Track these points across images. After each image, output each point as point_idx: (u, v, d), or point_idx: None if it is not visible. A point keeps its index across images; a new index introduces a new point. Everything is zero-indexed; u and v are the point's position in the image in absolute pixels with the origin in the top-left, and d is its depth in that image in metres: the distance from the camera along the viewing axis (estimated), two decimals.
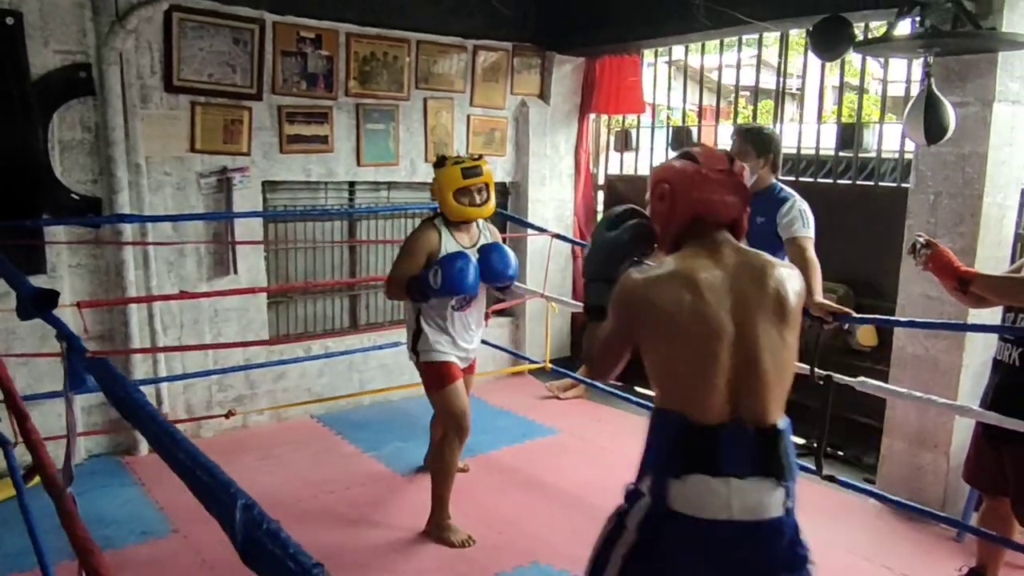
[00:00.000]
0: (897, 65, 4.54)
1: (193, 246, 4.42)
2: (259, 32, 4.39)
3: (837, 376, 2.88)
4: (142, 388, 4.11)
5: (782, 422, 1.75)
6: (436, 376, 3.38)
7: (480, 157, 3.46)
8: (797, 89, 7.74)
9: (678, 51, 5.94)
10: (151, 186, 4.19)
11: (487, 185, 3.39)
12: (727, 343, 1.72)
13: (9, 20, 3.67)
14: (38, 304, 1.53)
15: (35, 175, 3.84)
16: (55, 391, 3.66)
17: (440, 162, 3.40)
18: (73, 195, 3.99)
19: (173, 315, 4.40)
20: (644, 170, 5.93)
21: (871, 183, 4.50)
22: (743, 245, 1.88)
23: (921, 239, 2.76)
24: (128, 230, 4.13)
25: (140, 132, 4.09)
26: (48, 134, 3.86)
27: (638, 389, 5.43)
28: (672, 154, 2.09)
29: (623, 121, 6.24)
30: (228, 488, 0.95)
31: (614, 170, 6.30)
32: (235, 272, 4.57)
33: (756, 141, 3.50)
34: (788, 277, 1.82)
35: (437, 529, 3.43)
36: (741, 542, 1.70)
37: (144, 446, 4.34)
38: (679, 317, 1.72)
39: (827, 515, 3.74)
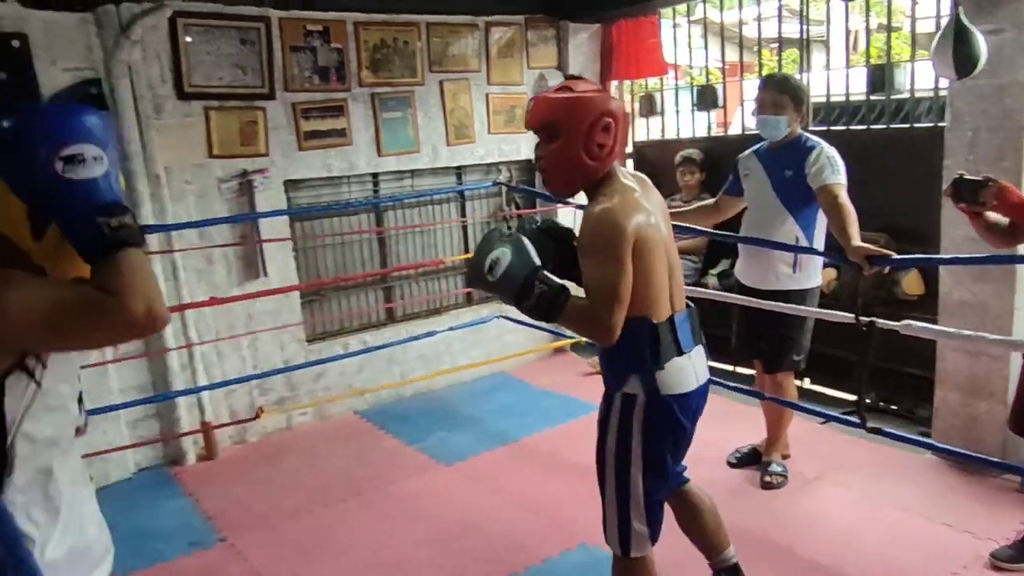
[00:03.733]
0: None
1: (221, 253, 4.42)
2: (265, 30, 4.34)
3: (880, 321, 2.75)
4: (182, 398, 4.18)
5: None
6: None
7: None
8: (821, 37, 7.48)
9: (698, 9, 5.76)
10: (172, 196, 4.19)
11: None
12: (666, 252, 2.14)
13: (15, 43, 3.66)
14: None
15: None
16: None
17: None
18: None
19: (207, 323, 4.40)
20: (671, 134, 5.78)
21: (906, 125, 4.30)
22: None
23: (978, 177, 2.59)
24: (154, 242, 4.13)
25: (156, 143, 4.09)
26: None
27: None
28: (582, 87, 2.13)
29: (646, 85, 6.07)
30: None
31: (640, 136, 6.14)
32: (265, 274, 4.56)
33: (792, 91, 3.37)
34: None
35: None
36: (702, 400, 2.25)
37: (192, 455, 4.38)
38: (648, 235, 2.04)
39: (878, 471, 3.64)
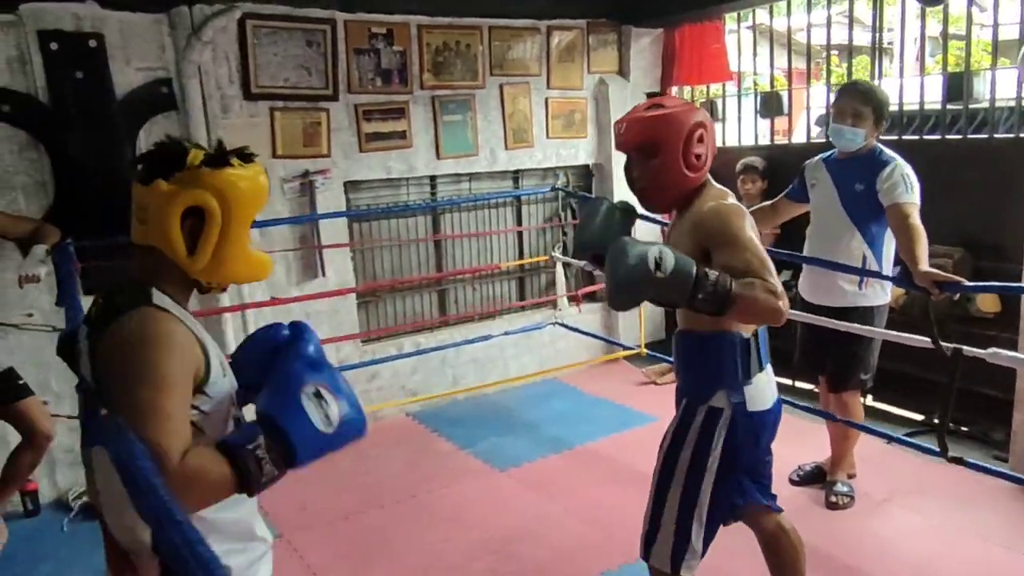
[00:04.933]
0: (1009, 6, 4.16)
1: (281, 252, 4.45)
2: (331, 32, 4.37)
3: (967, 348, 2.64)
4: None
5: None
6: None
7: None
8: (889, 43, 7.28)
9: (762, 14, 5.65)
10: None
11: None
12: None
13: (92, 43, 3.74)
14: None
15: (125, 193, 3.91)
16: None
17: None
18: None
19: (267, 321, 4.43)
20: (732, 141, 5.67)
21: (985, 136, 4.15)
22: None
23: None
24: None
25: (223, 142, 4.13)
26: (136, 151, 3.94)
27: None
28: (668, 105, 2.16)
29: (708, 91, 5.98)
30: None
31: None
32: (323, 275, 4.59)
33: (877, 104, 3.23)
34: None
35: None
36: (778, 417, 2.22)
37: None
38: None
39: (952, 495, 3.50)
